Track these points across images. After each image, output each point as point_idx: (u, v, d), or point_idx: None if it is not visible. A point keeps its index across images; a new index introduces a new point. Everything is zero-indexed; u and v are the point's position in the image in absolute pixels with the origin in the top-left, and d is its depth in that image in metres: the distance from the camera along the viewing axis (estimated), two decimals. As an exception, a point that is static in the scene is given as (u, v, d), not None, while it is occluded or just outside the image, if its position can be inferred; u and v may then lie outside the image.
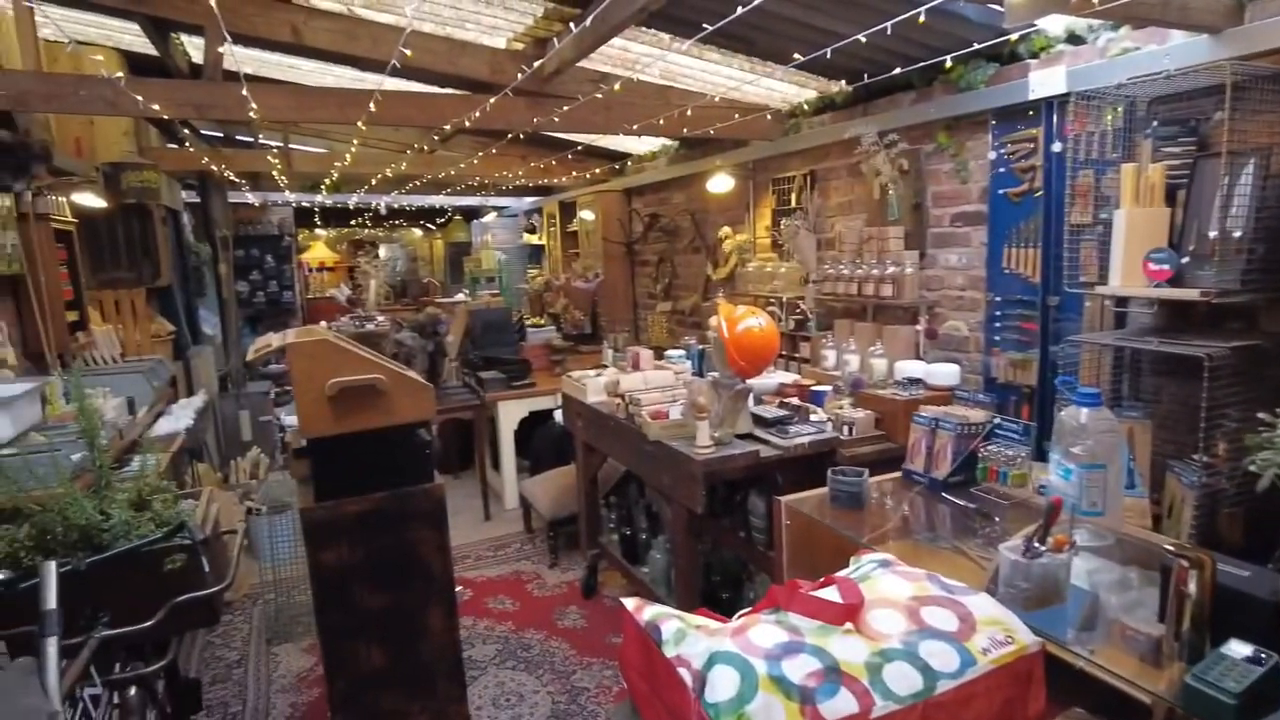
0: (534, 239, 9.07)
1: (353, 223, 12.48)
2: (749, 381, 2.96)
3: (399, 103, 3.83)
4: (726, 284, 5.36)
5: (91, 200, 4.50)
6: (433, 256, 13.93)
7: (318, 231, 13.07)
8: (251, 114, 3.53)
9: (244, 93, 3.30)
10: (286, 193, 8.35)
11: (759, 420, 3.06)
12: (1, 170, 3.51)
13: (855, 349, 3.81)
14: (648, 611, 1.42)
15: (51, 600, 1.65)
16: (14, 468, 2.17)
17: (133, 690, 2.10)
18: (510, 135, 5.47)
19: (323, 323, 10.43)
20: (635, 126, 4.12)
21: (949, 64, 3.19)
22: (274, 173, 6.02)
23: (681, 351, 4.05)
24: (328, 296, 11.09)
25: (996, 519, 2.23)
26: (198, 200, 6.40)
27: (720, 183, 4.97)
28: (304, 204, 9.96)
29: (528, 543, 4.81)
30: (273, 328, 11.27)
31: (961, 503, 2.36)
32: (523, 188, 9.37)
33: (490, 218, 8.82)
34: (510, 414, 5.29)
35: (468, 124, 3.77)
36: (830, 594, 1.45)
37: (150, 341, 5.19)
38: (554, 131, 4.10)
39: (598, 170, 6.72)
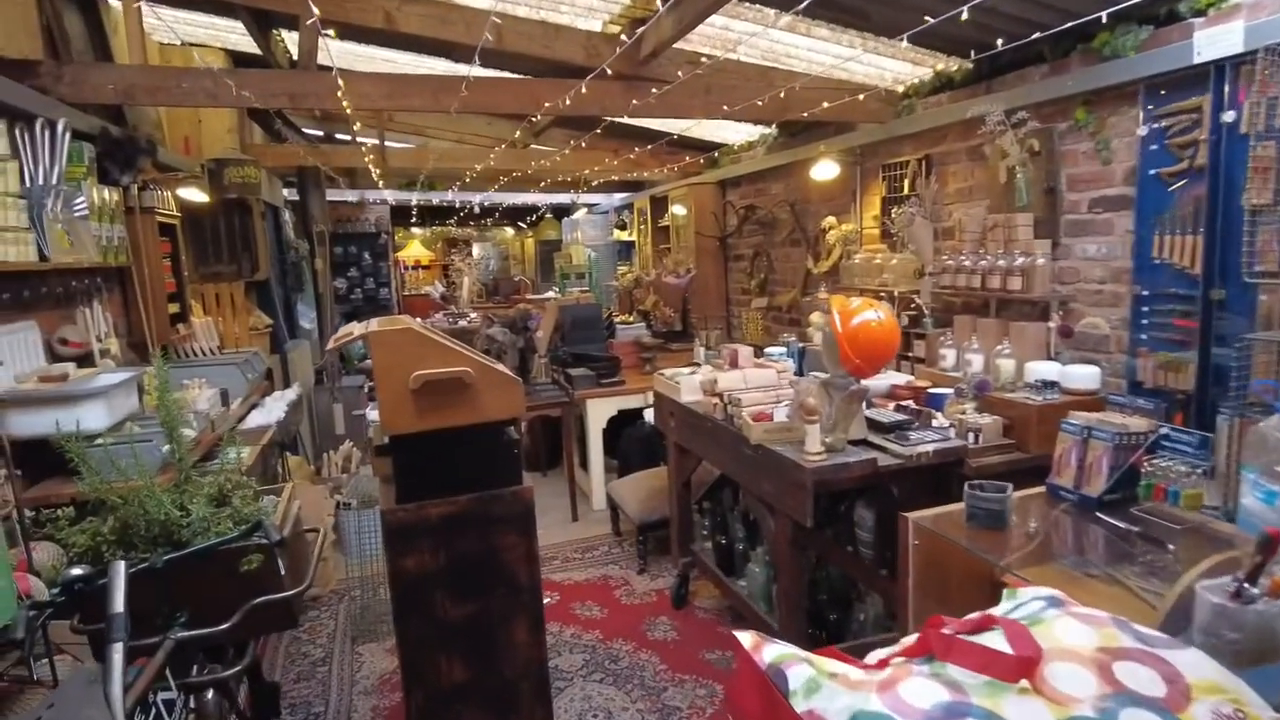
0: (624, 235, 8.92)
1: (447, 221, 12.68)
2: (864, 382, 2.67)
3: (492, 89, 3.71)
4: (828, 278, 5.04)
5: (196, 195, 4.59)
6: (524, 255, 14.01)
7: (413, 230, 13.34)
8: (344, 102, 3.46)
9: (336, 78, 3.23)
10: (382, 189, 8.47)
11: (874, 425, 2.77)
12: (110, 164, 3.56)
13: (978, 348, 3.45)
14: (769, 651, 1.18)
15: (119, 603, 1.54)
16: (103, 459, 2.11)
17: (209, 694, 2.00)
18: (602, 126, 5.32)
19: (417, 319, 10.59)
20: (738, 108, 3.87)
21: (1093, 30, 2.83)
22: (369, 167, 6.05)
23: (782, 349, 3.78)
24: (423, 293, 11.27)
25: (1169, 546, 1.89)
26: (297, 197, 6.52)
27: (825, 170, 4.66)
28: (400, 202, 10.13)
29: (615, 546, 4.63)
30: (369, 324, 11.55)
31: (1120, 525, 2.02)
32: (613, 183, 9.25)
33: (581, 214, 8.72)
34: (599, 412, 5.13)
35: (564, 104, 3.61)
36: (995, 640, 1.18)
37: (248, 334, 5.28)
38: (651, 116, 3.91)
39: (690, 161, 6.49)
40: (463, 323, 8.28)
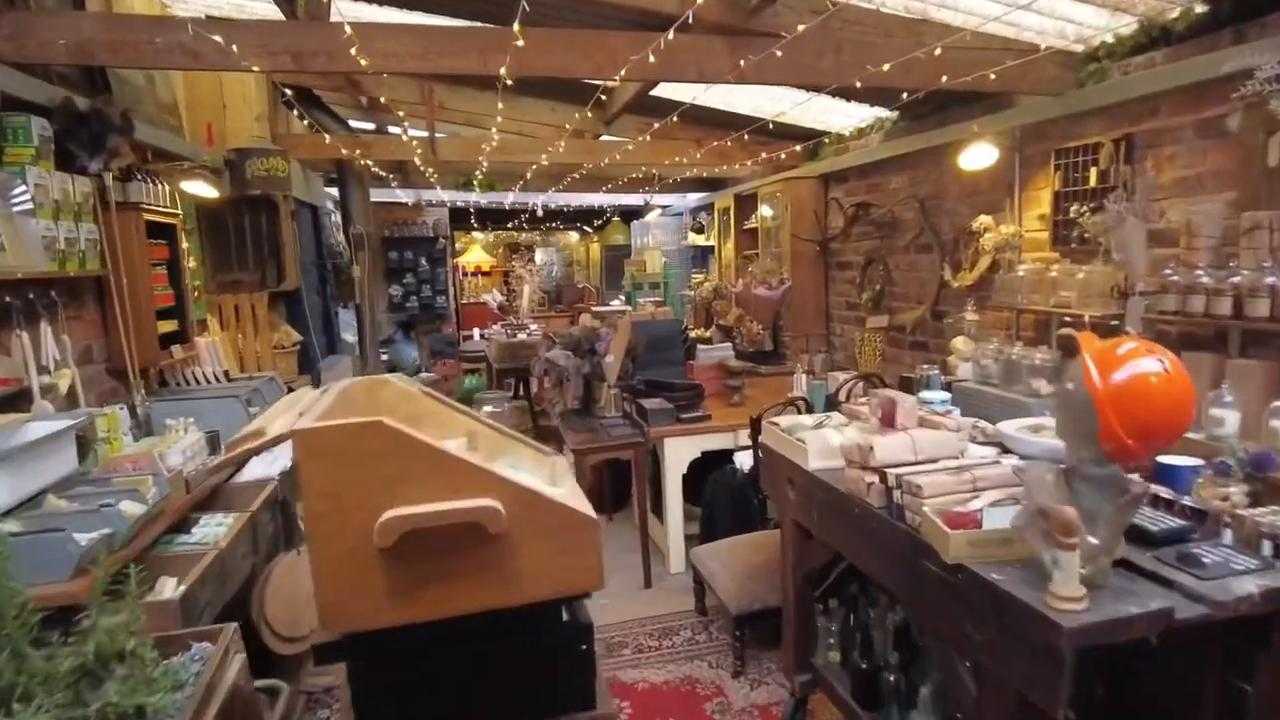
0: (700, 239, 7.98)
1: (509, 225, 11.95)
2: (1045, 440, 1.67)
3: (554, 44, 2.82)
4: (974, 293, 4.00)
5: (203, 189, 3.84)
6: (589, 261, 13.21)
7: (474, 234, 12.66)
8: (362, 61, 2.62)
9: (344, 27, 2.38)
10: (439, 190, 7.73)
11: (1138, 535, 1.77)
12: (74, 146, 2.81)
13: (1230, 399, 2.41)
14: None
15: None
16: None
17: None
18: (681, 111, 4.41)
19: (475, 330, 9.87)
20: (881, 69, 2.90)
21: None
22: (416, 160, 5.27)
23: (942, 395, 2.79)
24: (480, 302, 10.53)
25: None
26: (337, 195, 5.78)
27: (979, 156, 3.64)
28: (458, 204, 9.40)
29: (701, 630, 3.68)
30: (426, 334, 10.89)
31: None
32: (690, 182, 8.31)
33: (654, 216, 7.82)
34: (678, 454, 4.20)
35: (650, 62, 2.69)
36: None
37: (271, 354, 4.53)
38: (763, 82, 2.98)
39: (784, 152, 5.51)
40: (522, 335, 7.46)
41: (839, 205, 5.37)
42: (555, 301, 12.51)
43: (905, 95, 3.42)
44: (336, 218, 7.59)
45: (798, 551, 2.70)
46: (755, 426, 3.81)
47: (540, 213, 9.78)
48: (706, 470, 4.26)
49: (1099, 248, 3.17)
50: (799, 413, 3.91)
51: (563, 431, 4.24)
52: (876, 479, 2.10)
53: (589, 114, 5.54)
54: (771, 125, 5.41)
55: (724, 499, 4.03)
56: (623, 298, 7.37)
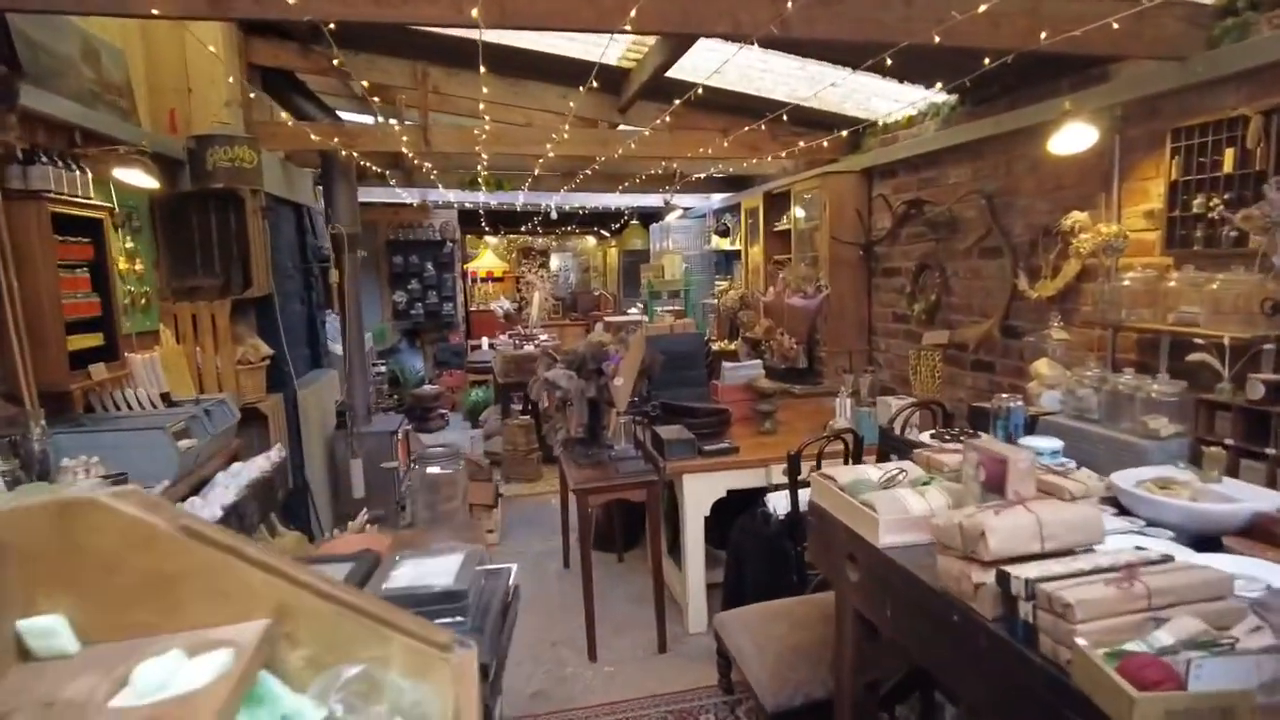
0: (725, 243, 7.33)
1: (522, 229, 11.38)
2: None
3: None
4: (1055, 305, 3.33)
5: (140, 179, 3.26)
6: (605, 267, 12.60)
7: (486, 239, 12.11)
8: (290, 1, 2.02)
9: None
10: (441, 189, 7.15)
11: None
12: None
13: None
14: None
15: None
16: None
17: None
18: (702, 90, 3.79)
19: (484, 339, 9.27)
20: (960, 19, 2.25)
21: None
22: (404, 150, 4.68)
23: (1052, 442, 2.13)
24: (488, 309, 9.96)
25: None
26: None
27: (1072, 140, 2.96)
28: (466, 205, 8.84)
29: (726, 713, 3.03)
30: (433, 343, 10.34)
31: None
32: (715, 180, 7.68)
33: (674, 217, 7.19)
34: (699, 493, 3.56)
35: (669, 6, 2.07)
36: None
37: (233, 370, 3.95)
38: (812, 34, 2.34)
39: (826, 143, 4.86)
40: (530, 346, 6.85)
41: (886, 203, 4.70)
42: (570, 309, 11.92)
43: (985, 62, 2.76)
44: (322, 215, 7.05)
45: (859, 651, 2.04)
46: (794, 465, 3.16)
47: (554, 215, 9.19)
48: (732, 511, 3.61)
49: (1240, 251, 2.49)
50: (846, 448, 3.27)
51: (564, 464, 3.62)
52: (990, 578, 1.45)
53: (601, 96, 4.93)
54: (808, 110, 4.77)
55: (753, 550, 3.37)
56: (640, 305, 6.75)
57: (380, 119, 5.46)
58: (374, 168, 5.71)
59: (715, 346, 6.21)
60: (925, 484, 1.96)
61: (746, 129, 4.59)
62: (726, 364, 4.34)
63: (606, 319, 6.36)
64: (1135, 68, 2.93)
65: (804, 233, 5.49)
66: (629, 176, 6.63)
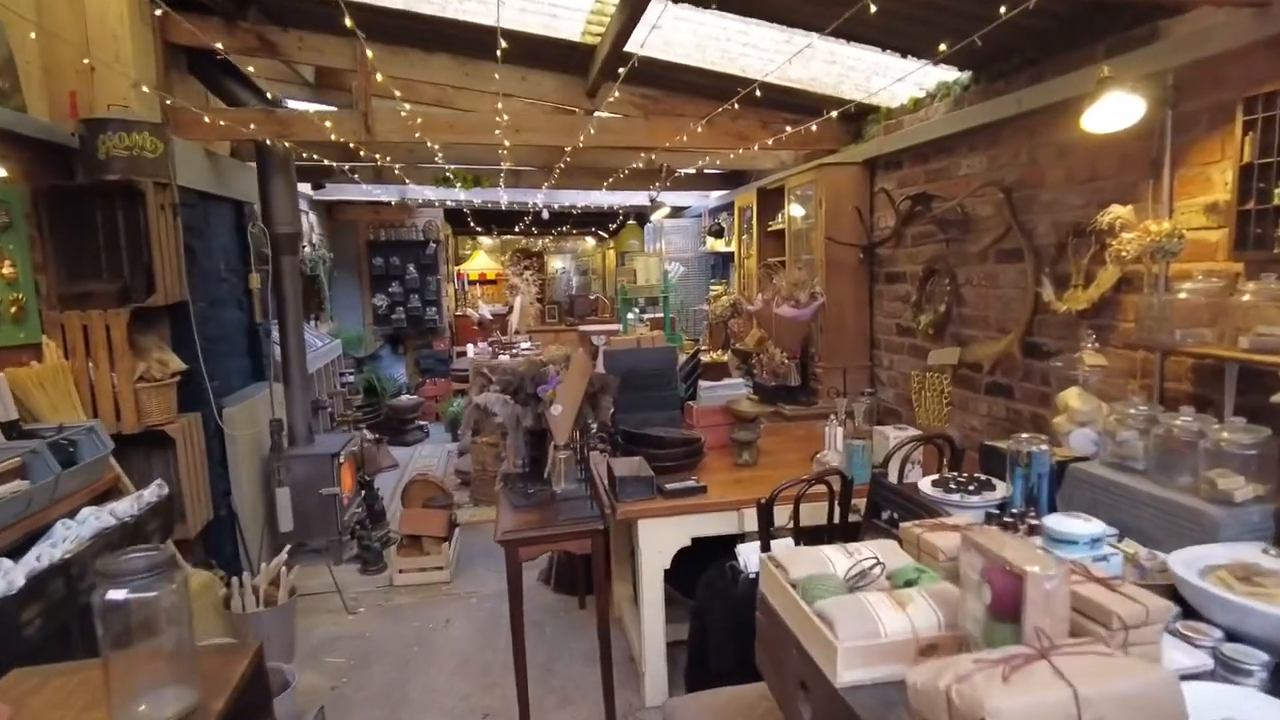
0: (720, 245, 6.75)
1: (516, 229, 10.84)
2: None
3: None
4: (1086, 320, 2.74)
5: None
6: (605, 269, 12.05)
7: (480, 239, 11.60)
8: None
9: None
10: (410, 184, 6.62)
11: None
12: None
13: None
14: None
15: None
16: None
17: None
18: (681, 79, 3.24)
19: (470, 345, 8.72)
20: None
21: None
22: (333, 137, 4.15)
23: (1094, 527, 1.55)
24: (464, 315, 9.43)
25: None
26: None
27: (1112, 113, 2.36)
28: (448, 203, 8.32)
29: (679, 822, 2.46)
30: (416, 349, 9.82)
31: None
32: (711, 176, 7.11)
33: (661, 216, 6.61)
34: (659, 541, 3.00)
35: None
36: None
37: (132, 389, 3.43)
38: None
39: (815, 127, 4.27)
40: (506, 355, 6.31)
41: (889, 198, 4.11)
42: (568, 314, 11.38)
43: (1001, 11, 2.18)
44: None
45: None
46: (765, 515, 2.60)
47: (545, 215, 8.65)
48: (701, 561, 3.04)
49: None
50: (831, 494, 2.70)
51: (500, 505, 3.06)
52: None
53: (567, 79, 4.38)
54: (800, 94, 4.19)
55: (720, 614, 2.79)
56: (634, 315, 6.19)
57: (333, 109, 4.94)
58: (321, 160, 5.19)
59: (706, 358, 5.64)
60: (910, 582, 1.39)
61: (721, 109, 4.02)
62: (704, 383, 3.77)
63: (581, 328, 5.80)
64: (1194, 22, 2.34)
65: (799, 233, 4.91)
66: (612, 171, 6.08)
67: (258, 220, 4.34)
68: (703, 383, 3.78)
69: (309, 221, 7.55)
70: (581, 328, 6.30)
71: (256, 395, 4.56)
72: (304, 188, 6.85)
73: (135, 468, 3.72)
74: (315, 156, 5.05)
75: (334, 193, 7.71)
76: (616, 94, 4.04)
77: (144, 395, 3.51)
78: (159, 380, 3.58)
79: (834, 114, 3.87)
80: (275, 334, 4.69)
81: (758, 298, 4.47)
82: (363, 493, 5.08)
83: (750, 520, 2.98)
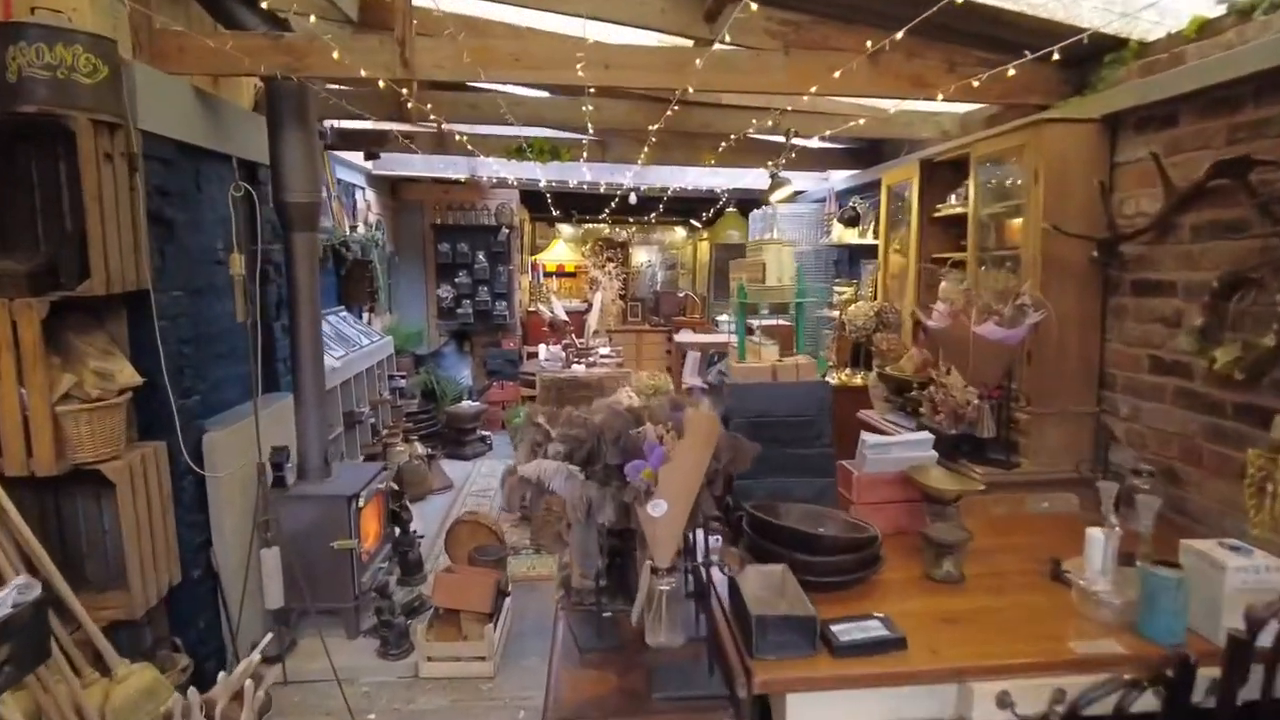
0: (850, 235, 5.40)
1: (600, 216, 9.69)
2: None
3: None
4: None
5: None
6: (696, 263, 10.80)
7: (560, 227, 10.51)
8: None
9: None
10: (476, 153, 5.53)
11: None
12: None
13: None
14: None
15: None
16: None
17: None
18: None
19: (541, 346, 7.56)
20: None
21: None
22: (368, 72, 3.03)
23: None
24: (536, 311, 8.33)
25: None
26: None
27: None
28: (522, 180, 7.23)
29: None
30: (484, 348, 8.77)
31: None
32: (835, 152, 5.77)
33: (781, 196, 5.30)
34: (823, 721, 1.76)
35: None
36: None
37: (48, 410, 2.40)
38: None
39: (1015, 70, 2.92)
40: (580, 366, 5.14)
41: (1159, 169, 2.72)
42: (652, 312, 10.18)
43: None
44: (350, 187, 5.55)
45: None
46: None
47: (633, 199, 7.48)
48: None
49: None
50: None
51: (553, 648, 1.88)
52: None
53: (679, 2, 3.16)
54: (1010, 16, 2.86)
55: None
56: (728, 318, 4.94)
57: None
58: (364, 115, 4.12)
59: (833, 379, 4.34)
60: None
61: (896, 38, 2.71)
62: (870, 439, 2.50)
63: (681, 336, 4.55)
64: None
65: (989, 220, 3.56)
66: (718, 139, 4.82)
67: (288, 193, 3.29)
68: (869, 438, 2.50)
69: (365, 199, 6.58)
70: (681, 338, 5.09)
71: (262, 412, 3.52)
72: (354, 157, 5.86)
73: (59, 519, 2.71)
74: (351, 107, 3.98)
75: (395, 167, 6.72)
76: (754, 6, 2.77)
77: (69, 422, 2.48)
78: (95, 401, 2.54)
79: (1054, 51, 2.52)
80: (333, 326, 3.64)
81: (937, 307, 3.15)
82: (393, 536, 4.02)
83: (979, 702, 1.71)
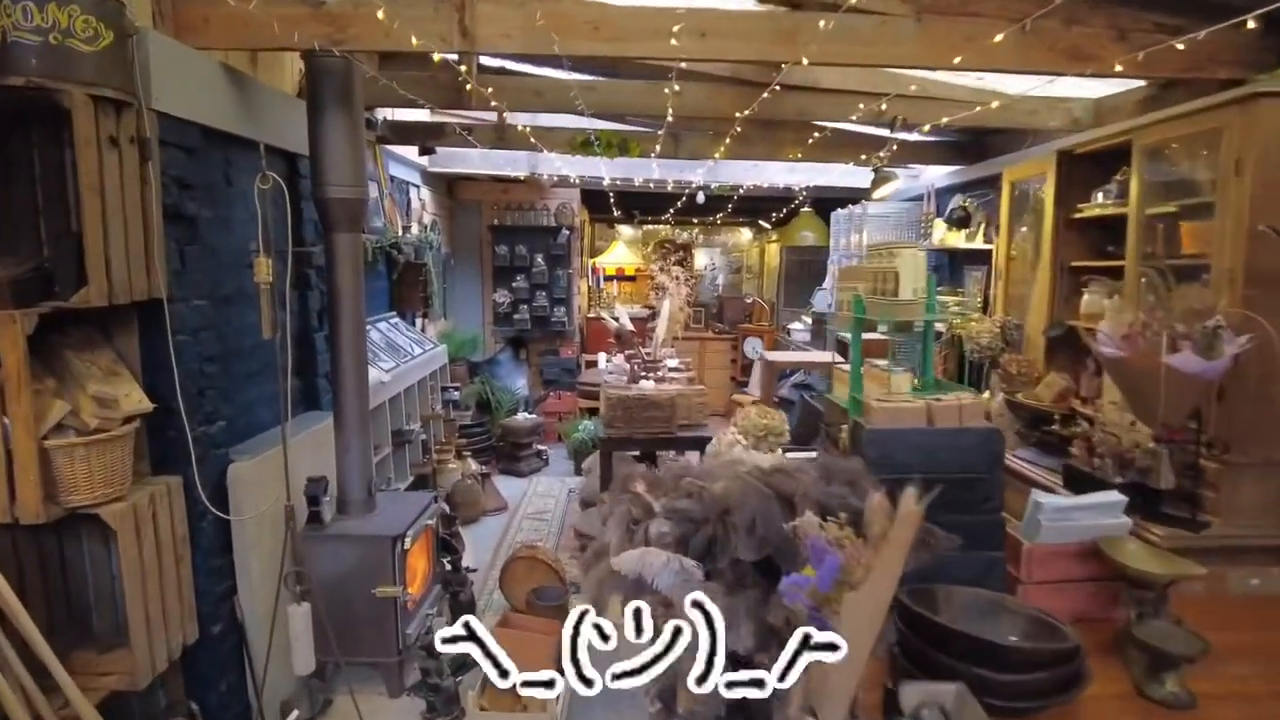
0: (955, 238, 4.79)
1: (664, 216, 9.19)
2: None
3: None
4: None
5: None
6: (763, 267, 10.22)
7: (619, 229, 10.05)
8: None
9: None
10: (545, 155, 5.09)
11: None
12: None
13: None
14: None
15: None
16: None
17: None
18: None
19: (601, 355, 7.04)
20: None
21: None
22: (414, 42, 2.58)
23: None
24: (599, 318, 7.84)
25: None
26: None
27: None
28: (584, 178, 6.77)
29: None
30: (541, 355, 8.33)
31: None
32: (933, 146, 5.17)
33: (886, 192, 4.69)
34: None
35: None
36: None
37: (33, 448, 2.00)
38: None
39: (1205, 36, 2.32)
40: (649, 382, 4.63)
41: None
42: (715, 318, 9.64)
43: None
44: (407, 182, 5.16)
45: None
46: None
47: (701, 198, 6.96)
48: None
49: None
50: None
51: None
52: None
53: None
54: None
55: None
56: (803, 321, 4.35)
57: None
58: (418, 102, 3.70)
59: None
60: None
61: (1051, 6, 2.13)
62: (1045, 500, 1.94)
63: (751, 347, 3.97)
64: None
65: (1156, 222, 2.94)
66: (810, 132, 4.27)
67: (326, 186, 2.87)
68: (1044, 500, 1.93)
69: (419, 198, 6.19)
70: (772, 356, 4.53)
71: (297, 436, 3.11)
72: (409, 152, 5.47)
73: (62, 563, 2.32)
74: (404, 91, 3.55)
75: (452, 163, 6.32)
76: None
77: (61, 458, 2.07)
78: (94, 432, 2.13)
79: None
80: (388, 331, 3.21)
81: (1103, 329, 2.55)
82: (443, 573, 3.58)
83: None
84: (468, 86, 3.41)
